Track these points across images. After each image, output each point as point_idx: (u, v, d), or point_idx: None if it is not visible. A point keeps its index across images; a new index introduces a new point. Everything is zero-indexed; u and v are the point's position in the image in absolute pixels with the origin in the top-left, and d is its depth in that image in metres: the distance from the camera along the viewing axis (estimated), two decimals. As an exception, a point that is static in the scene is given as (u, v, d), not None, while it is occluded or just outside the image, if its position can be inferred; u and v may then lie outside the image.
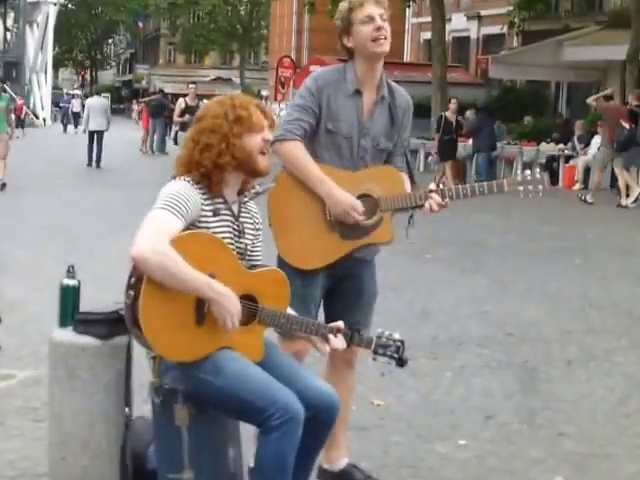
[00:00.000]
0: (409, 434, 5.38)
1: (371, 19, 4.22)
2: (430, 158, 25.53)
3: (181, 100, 24.62)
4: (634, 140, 18.41)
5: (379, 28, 4.22)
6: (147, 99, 35.52)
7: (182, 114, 23.92)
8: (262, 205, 4.16)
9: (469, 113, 24.63)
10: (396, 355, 3.81)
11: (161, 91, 37.22)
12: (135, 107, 61.14)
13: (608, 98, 20.25)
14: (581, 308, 8.97)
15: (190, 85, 24.15)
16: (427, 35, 35.11)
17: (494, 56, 29.82)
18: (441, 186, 4.31)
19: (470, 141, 23.79)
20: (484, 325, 8.13)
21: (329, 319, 4.22)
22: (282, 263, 4.24)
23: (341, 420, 4.08)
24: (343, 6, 4.31)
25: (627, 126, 18.48)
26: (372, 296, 4.58)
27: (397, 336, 3.83)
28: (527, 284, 10.13)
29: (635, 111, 18.85)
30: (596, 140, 21.99)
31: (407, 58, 41.00)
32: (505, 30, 31.80)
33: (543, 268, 11.23)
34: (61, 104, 52.27)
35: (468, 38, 37.30)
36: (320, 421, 3.63)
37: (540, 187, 4.27)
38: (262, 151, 3.76)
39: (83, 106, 34.78)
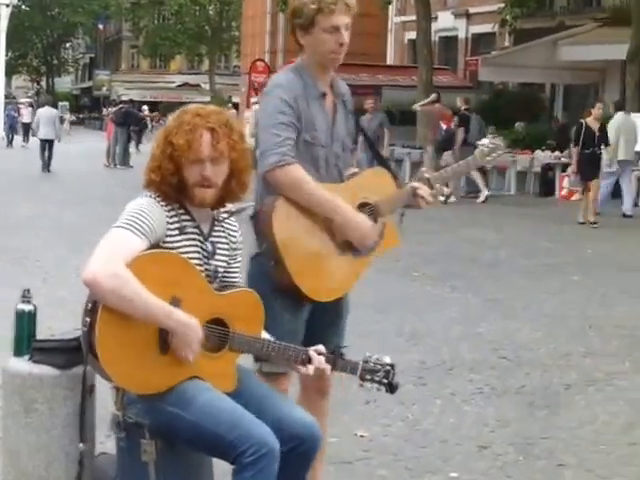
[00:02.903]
0: (396, 467, 5.38)
1: (336, 30, 4.13)
2: (566, 179, 22.03)
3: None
4: (451, 140, 21.34)
5: (341, 44, 4.15)
6: (115, 109, 35.80)
7: None
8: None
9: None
10: (385, 380, 3.77)
11: (131, 101, 40.88)
12: (67, 117, 59.85)
13: (434, 102, 22.87)
14: (580, 329, 9.00)
15: None
16: (412, 35, 35.16)
17: (484, 57, 29.94)
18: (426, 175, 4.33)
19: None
20: (476, 348, 8.13)
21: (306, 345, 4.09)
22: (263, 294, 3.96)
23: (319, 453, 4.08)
24: (309, 6, 4.13)
25: (444, 127, 21.89)
26: (346, 316, 4.52)
27: (387, 360, 3.79)
28: (522, 303, 10.15)
29: (466, 114, 21.98)
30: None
31: (390, 60, 41.06)
32: (496, 29, 31.92)
33: (539, 286, 11.27)
34: (5, 113, 50.91)
35: (456, 38, 37.41)
36: (300, 453, 3.60)
37: (500, 152, 4.43)
38: (199, 185, 3.62)
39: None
